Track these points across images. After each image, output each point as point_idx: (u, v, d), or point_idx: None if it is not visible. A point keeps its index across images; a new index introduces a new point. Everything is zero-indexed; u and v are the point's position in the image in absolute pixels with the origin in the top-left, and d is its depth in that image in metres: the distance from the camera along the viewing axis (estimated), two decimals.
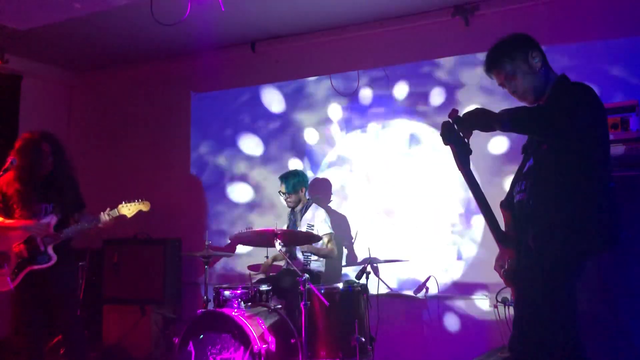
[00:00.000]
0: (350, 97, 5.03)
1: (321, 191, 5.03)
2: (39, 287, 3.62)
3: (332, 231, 4.51)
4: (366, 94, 5.01)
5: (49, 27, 4.83)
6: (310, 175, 5.04)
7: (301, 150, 5.24)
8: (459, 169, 2.28)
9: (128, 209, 3.71)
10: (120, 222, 3.76)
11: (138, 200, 3.77)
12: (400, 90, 4.88)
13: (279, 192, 4.60)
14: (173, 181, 5.76)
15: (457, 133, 2.22)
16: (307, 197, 4.64)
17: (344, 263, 4.88)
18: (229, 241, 5.27)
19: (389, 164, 4.86)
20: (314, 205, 4.60)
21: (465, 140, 2.23)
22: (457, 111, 2.24)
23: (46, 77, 6.13)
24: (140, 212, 3.77)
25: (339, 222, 4.88)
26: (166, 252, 5.21)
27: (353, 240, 3.84)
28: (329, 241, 4.44)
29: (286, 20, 4.90)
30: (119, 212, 3.68)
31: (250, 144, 5.46)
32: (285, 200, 4.58)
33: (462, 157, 2.25)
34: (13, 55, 5.46)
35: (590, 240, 2.18)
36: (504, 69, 2.38)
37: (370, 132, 4.98)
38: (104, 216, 3.64)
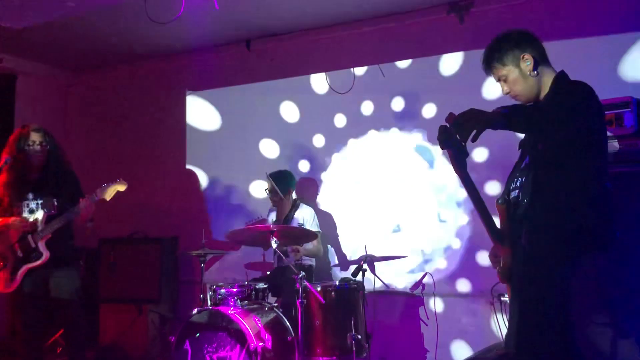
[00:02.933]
0: (345, 95, 5.03)
1: (306, 191, 5.06)
2: (39, 287, 3.56)
3: (320, 230, 4.52)
4: (361, 92, 5.01)
5: (44, 26, 4.82)
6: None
7: (299, 149, 5.25)
8: (456, 172, 2.28)
9: (106, 192, 3.59)
10: (101, 206, 3.65)
11: (116, 181, 3.66)
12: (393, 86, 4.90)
13: (266, 189, 4.60)
14: (169, 180, 5.76)
15: (455, 137, 2.22)
16: (294, 197, 4.66)
17: (332, 259, 4.93)
18: (225, 239, 5.27)
19: (386, 161, 4.88)
20: (302, 205, 4.61)
21: (463, 143, 2.23)
22: (454, 115, 2.23)
23: (41, 76, 6.11)
24: (118, 193, 3.64)
25: (325, 220, 4.91)
26: (163, 251, 5.21)
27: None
28: (317, 240, 4.45)
29: (281, 18, 4.90)
30: (97, 196, 3.56)
31: (248, 144, 5.47)
32: (271, 198, 4.59)
33: (460, 160, 2.25)
34: (7, 55, 5.44)
35: (585, 241, 2.18)
36: (496, 72, 2.39)
37: (368, 128, 4.99)
38: (82, 203, 3.52)
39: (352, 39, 5.05)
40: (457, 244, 4.56)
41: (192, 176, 5.69)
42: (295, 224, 4.47)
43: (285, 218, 4.51)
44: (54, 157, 3.66)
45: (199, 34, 5.01)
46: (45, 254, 3.50)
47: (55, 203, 3.60)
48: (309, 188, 5.10)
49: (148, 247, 5.23)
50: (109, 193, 3.59)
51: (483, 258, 4.37)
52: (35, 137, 3.58)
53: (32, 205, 3.60)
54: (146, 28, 4.90)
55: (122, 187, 3.65)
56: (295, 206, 4.58)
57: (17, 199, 3.59)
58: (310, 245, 4.37)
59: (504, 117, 2.13)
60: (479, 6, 4.51)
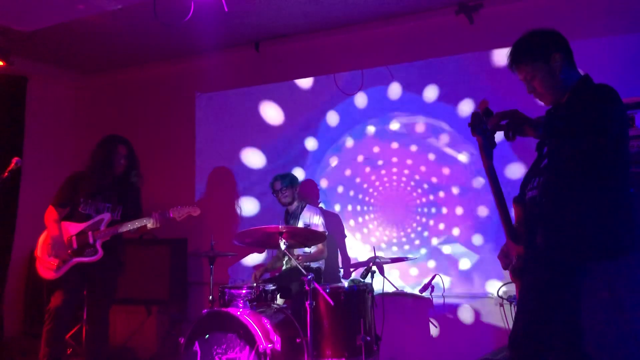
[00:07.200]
0: (353, 96, 5.03)
1: (309, 193, 5.05)
2: (82, 281, 3.73)
3: (326, 232, 4.51)
4: (369, 92, 5.00)
5: (54, 28, 4.84)
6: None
7: (303, 151, 5.25)
8: (483, 161, 2.27)
9: (178, 213, 3.78)
10: (169, 225, 3.84)
11: (190, 205, 3.85)
12: (398, 89, 4.88)
13: (273, 191, 4.63)
14: (178, 181, 5.78)
15: (486, 125, 2.21)
16: (300, 199, 4.67)
17: (340, 261, 4.93)
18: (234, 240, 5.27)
19: (393, 162, 4.86)
20: (307, 206, 4.63)
21: (491, 133, 2.23)
22: (487, 102, 2.22)
23: (51, 78, 6.16)
24: (190, 217, 3.82)
25: (332, 222, 4.91)
26: (172, 252, 5.23)
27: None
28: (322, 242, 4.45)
29: (289, 19, 4.90)
30: (169, 215, 3.76)
31: (254, 144, 5.47)
32: (282, 197, 4.60)
33: (487, 150, 2.25)
34: (18, 57, 5.48)
35: (604, 245, 2.15)
36: (524, 69, 2.36)
37: (374, 128, 4.98)
38: (154, 217, 3.73)
39: (360, 40, 5.05)
40: (465, 245, 4.54)
41: (201, 177, 5.70)
42: (302, 226, 4.47)
43: (293, 220, 4.52)
44: (132, 172, 3.87)
45: (207, 35, 5.02)
46: (100, 253, 3.68)
47: (121, 210, 3.82)
48: (311, 190, 5.11)
49: (157, 249, 5.25)
50: (181, 215, 3.76)
51: (491, 259, 4.35)
52: (122, 149, 3.80)
53: (100, 206, 3.80)
54: (156, 30, 4.93)
55: (195, 213, 3.83)
56: (301, 208, 4.60)
57: (89, 197, 3.78)
58: (312, 249, 4.38)
59: (542, 124, 2.10)
60: (489, 7, 4.49)
